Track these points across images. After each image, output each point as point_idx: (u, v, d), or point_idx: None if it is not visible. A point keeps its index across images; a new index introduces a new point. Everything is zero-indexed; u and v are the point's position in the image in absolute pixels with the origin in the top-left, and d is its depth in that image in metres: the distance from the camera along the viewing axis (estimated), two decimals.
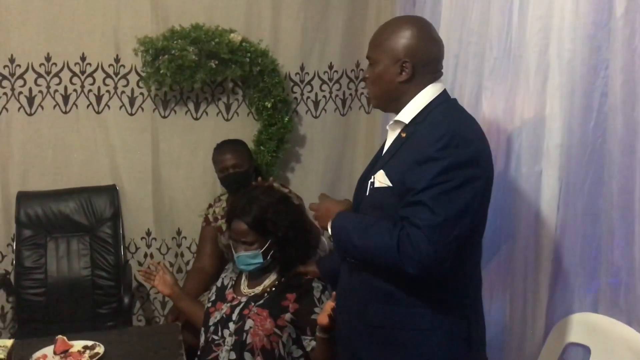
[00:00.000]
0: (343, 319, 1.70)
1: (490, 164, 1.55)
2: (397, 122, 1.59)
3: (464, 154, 1.43)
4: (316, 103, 3.16)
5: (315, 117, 3.17)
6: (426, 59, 1.57)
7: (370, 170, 1.62)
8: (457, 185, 1.41)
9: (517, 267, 1.95)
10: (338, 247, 1.62)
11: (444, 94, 1.59)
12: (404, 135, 1.56)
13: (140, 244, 3.08)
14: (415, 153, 1.47)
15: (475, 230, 1.54)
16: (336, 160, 3.20)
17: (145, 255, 3.08)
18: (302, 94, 3.13)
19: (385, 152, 1.61)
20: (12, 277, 2.84)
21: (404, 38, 1.55)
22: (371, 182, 1.57)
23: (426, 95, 1.57)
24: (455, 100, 1.64)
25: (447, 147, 1.42)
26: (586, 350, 1.79)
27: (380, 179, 1.54)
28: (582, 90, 1.72)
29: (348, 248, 1.56)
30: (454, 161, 1.42)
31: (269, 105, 2.91)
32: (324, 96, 3.16)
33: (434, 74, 1.60)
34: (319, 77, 3.14)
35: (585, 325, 1.78)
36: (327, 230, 1.62)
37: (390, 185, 1.52)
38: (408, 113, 1.56)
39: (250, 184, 2.63)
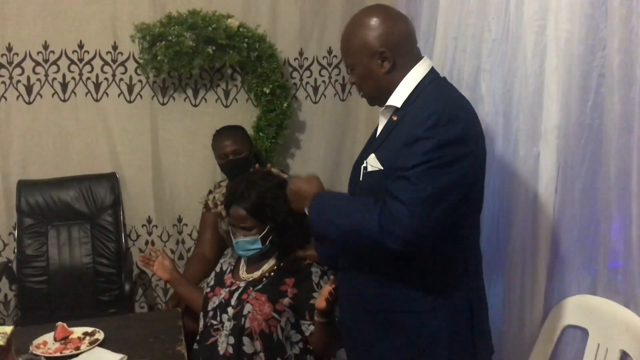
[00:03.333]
0: (345, 304, 1.71)
1: (481, 142, 1.54)
2: (389, 106, 1.57)
3: (451, 132, 1.42)
4: (315, 88, 3.14)
5: (315, 103, 3.16)
6: (400, 39, 1.54)
7: (364, 155, 1.61)
8: (445, 163, 1.40)
9: (515, 250, 1.94)
10: (316, 230, 1.59)
11: (431, 73, 1.58)
12: (395, 118, 1.55)
13: (141, 232, 3.09)
14: (405, 135, 1.46)
15: (473, 209, 1.53)
16: (336, 146, 3.19)
17: (147, 243, 3.09)
18: (301, 80, 3.12)
19: (378, 136, 1.60)
20: (14, 266, 2.86)
21: (371, 29, 1.53)
22: (364, 166, 1.56)
23: (414, 76, 1.55)
24: (444, 78, 1.62)
25: (436, 126, 1.41)
26: (584, 332, 1.79)
27: (372, 163, 1.53)
28: (580, 70, 1.70)
29: (328, 229, 1.52)
30: (442, 139, 1.40)
31: (268, 91, 2.90)
32: (324, 81, 3.15)
33: (414, 51, 1.59)
34: (318, 62, 3.12)
35: (582, 308, 1.78)
36: (305, 212, 1.59)
37: (382, 168, 1.51)
38: (399, 97, 1.55)
39: (250, 170, 2.63)
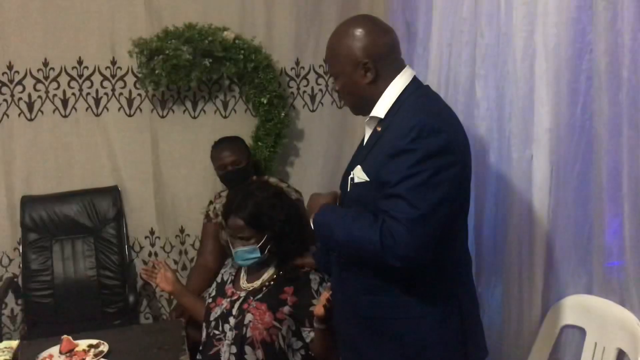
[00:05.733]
0: (337, 311, 1.73)
1: (465, 149, 1.56)
2: (373, 117, 1.59)
3: (435, 143, 1.43)
4: (313, 97, 3.17)
5: (313, 111, 3.19)
6: (383, 51, 1.56)
7: (351, 166, 1.63)
8: (432, 175, 1.41)
9: (512, 252, 1.96)
10: (321, 242, 1.63)
11: (414, 83, 1.59)
12: (379, 129, 1.57)
13: (145, 243, 3.11)
14: (389, 147, 1.48)
15: (459, 215, 1.55)
16: (335, 154, 3.20)
17: (150, 254, 3.12)
18: (298, 89, 3.15)
19: (363, 148, 1.62)
20: (20, 280, 2.89)
21: (355, 40, 1.55)
22: (351, 177, 1.58)
23: (396, 86, 1.56)
24: (427, 87, 1.64)
25: (418, 138, 1.42)
26: (582, 331, 1.81)
27: (359, 175, 1.55)
28: (569, 73, 1.73)
29: (331, 243, 1.56)
30: (426, 151, 1.42)
31: (265, 101, 2.94)
32: (320, 90, 3.18)
33: (398, 63, 1.60)
34: (315, 71, 3.15)
35: (579, 307, 1.80)
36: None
37: (368, 180, 1.53)
38: (382, 108, 1.56)
39: (249, 180, 2.66)
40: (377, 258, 1.44)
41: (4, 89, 2.88)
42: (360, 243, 1.46)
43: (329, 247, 1.60)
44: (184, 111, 3.05)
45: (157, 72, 2.79)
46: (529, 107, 1.86)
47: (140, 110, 3.01)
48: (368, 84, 1.56)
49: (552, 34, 1.74)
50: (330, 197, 1.66)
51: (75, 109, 2.96)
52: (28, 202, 2.91)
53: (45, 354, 1.95)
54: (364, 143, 1.64)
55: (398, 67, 1.59)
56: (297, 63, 3.12)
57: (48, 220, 2.90)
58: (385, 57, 1.56)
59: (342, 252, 1.56)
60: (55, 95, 2.93)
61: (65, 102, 2.95)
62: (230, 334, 1.96)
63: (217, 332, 2.00)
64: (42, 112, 2.93)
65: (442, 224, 1.44)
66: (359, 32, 1.55)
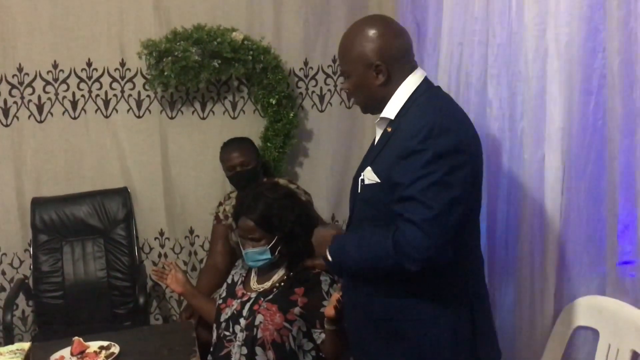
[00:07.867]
0: (349, 313, 1.72)
1: (476, 149, 1.55)
2: (383, 118, 1.58)
3: (445, 144, 1.42)
4: (321, 97, 3.17)
5: (321, 111, 3.18)
6: (397, 54, 1.55)
7: (362, 167, 1.62)
8: (444, 174, 1.40)
9: (524, 252, 1.95)
10: (339, 269, 1.63)
11: (425, 83, 1.58)
12: (389, 130, 1.56)
13: (154, 244, 3.12)
14: (399, 147, 1.48)
15: (471, 215, 1.54)
16: (344, 154, 3.20)
17: (160, 255, 3.13)
18: (307, 89, 3.15)
19: (374, 148, 1.62)
20: (30, 282, 2.90)
21: (369, 41, 1.53)
22: (361, 179, 1.58)
23: (407, 87, 1.56)
24: (438, 87, 1.63)
25: (428, 138, 1.42)
26: (595, 333, 1.79)
27: (369, 176, 1.55)
28: (581, 73, 1.71)
29: (349, 264, 1.55)
30: (437, 151, 1.41)
31: (274, 102, 2.94)
32: (329, 90, 3.17)
33: (410, 64, 1.59)
34: (323, 71, 3.15)
35: (592, 309, 1.78)
36: (328, 257, 1.62)
37: (379, 181, 1.52)
38: (392, 108, 1.56)
39: (258, 181, 2.65)
40: (396, 267, 1.43)
41: (14, 91, 2.90)
42: (376, 256, 1.46)
43: (348, 269, 1.58)
44: (193, 112, 3.05)
45: (166, 73, 2.80)
46: (540, 106, 1.84)
47: (150, 111, 3.01)
48: (379, 85, 1.55)
49: (564, 33, 1.73)
50: (336, 227, 1.66)
51: (85, 111, 2.97)
52: (38, 203, 2.92)
53: (56, 355, 1.95)
54: (375, 144, 1.63)
55: (410, 69, 1.59)
56: (306, 63, 3.11)
57: (58, 222, 2.91)
58: (397, 60, 1.55)
59: (361, 271, 1.54)
60: (64, 97, 2.94)
61: (74, 103, 2.95)
62: (240, 335, 1.96)
63: (227, 333, 2.00)
64: (51, 114, 2.94)
65: (458, 223, 1.43)
66: (372, 33, 1.54)
